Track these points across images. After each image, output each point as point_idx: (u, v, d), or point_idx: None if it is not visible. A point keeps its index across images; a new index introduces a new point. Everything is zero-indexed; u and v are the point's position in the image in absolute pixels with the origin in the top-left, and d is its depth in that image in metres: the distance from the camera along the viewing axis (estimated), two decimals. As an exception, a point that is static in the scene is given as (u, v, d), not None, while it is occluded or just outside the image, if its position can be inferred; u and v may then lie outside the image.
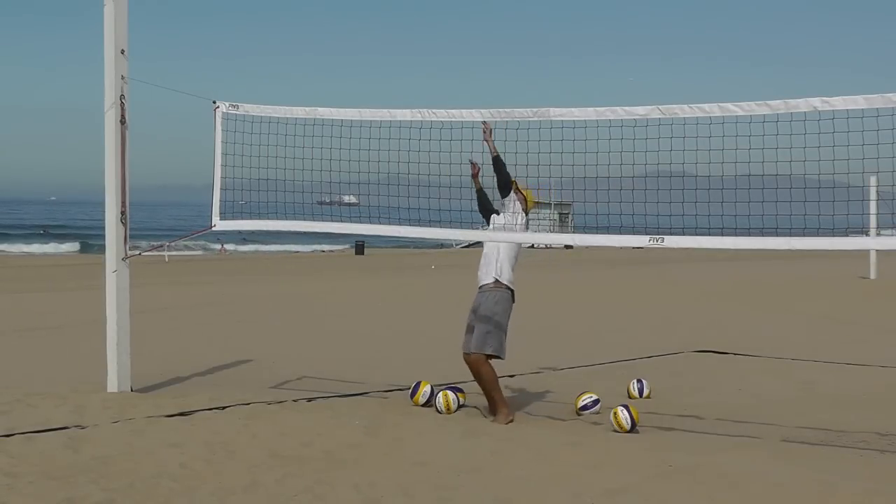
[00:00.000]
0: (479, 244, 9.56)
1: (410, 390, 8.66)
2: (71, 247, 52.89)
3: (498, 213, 8.26)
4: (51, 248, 52.17)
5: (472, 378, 8.43)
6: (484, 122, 8.07)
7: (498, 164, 8.07)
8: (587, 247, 38.82)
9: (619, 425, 7.68)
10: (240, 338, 13.97)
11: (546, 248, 46.29)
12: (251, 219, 9.33)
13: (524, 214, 8.19)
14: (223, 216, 9.26)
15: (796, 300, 21.22)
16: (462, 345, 8.21)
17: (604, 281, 27.52)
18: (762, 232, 7.61)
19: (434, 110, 8.31)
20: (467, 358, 8.08)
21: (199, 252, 46.82)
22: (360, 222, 9.14)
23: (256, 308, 19.04)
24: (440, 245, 48.70)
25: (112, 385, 8.85)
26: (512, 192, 8.14)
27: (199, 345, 13.09)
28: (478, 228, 8.74)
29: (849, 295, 22.65)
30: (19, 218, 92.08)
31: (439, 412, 8.27)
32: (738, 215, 7.73)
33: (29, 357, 11.97)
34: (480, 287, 8.12)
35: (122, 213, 8.89)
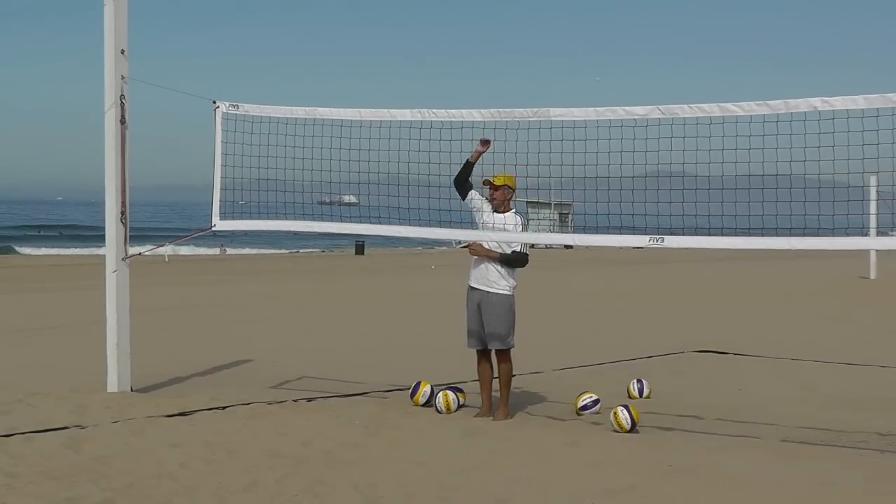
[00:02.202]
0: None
1: (410, 390, 8.66)
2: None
3: (472, 197, 8.23)
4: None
5: (475, 377, 8.45)
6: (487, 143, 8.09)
7: (507, 258, 8.10)
8: (587, 247, 38.82)
9: (619, 425, 7.68)
10: (240, 338, 13.97)
11: (546, 247, 46.28)
12: (251, 219, 9.34)
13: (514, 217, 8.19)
14: (223, 216, 9.27)
15: (796, 300, 21.22)
16: (469, 344, 8.28)
17: (604, 281, 27.50)
18: (762, 232, 7.62)
19: (434, 110, 8.31)
20: (480, 357, 8.26)
21: (200, 252, 46.76)
22: (360, 222, 9.15)
23: (256, 308, 19.04)
24: (459, 243, 48.60)
25: (112, 385, 8.86)
26: (486, 192, 8.18)
27: (199, 345, 13.09)
28: (477, 228, 8.74)
29: (849, 295, 22.65)
30: (35, 219, 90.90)
31: (439, 412, 8.27)
32: (738, 215, 7.74)
33: (29, 357, 11.96)
34: (479, 291, 8.14)
35: (122, 213, 8.90)
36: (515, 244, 8.10)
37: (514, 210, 8.24)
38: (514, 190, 8.22)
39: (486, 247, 8.10)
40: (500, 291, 8.11)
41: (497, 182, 8.13)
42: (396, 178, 8.79)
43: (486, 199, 8.23)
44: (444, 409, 8.27)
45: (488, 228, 8.14)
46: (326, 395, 9.01)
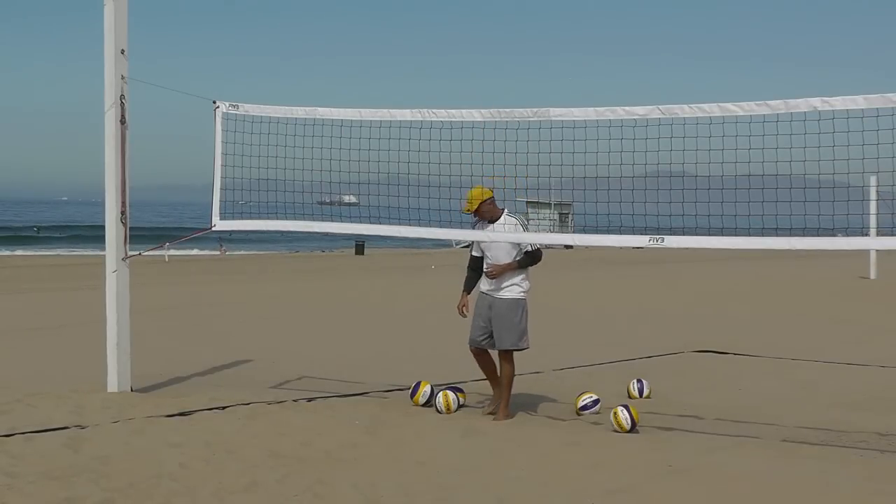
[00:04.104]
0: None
1: (410, 390, 8.66)
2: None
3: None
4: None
5: (482, 376, 8.45)
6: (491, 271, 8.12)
7: (525, 262, 8.13)
8: (587, 247, 38.81)
9: (619, 425, 7.68)
10: (240, 338, 13.97)
11: (546, 248, 46.25)
12: (251, 219, 9.34)
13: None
14: (223, 216, 9.27)
15: (796, 300, 21.21)
16: (475, 341, 8.26)
17: (604, 281, 27.50)
18: (762, 232, 7.62)
19: (434, 110, 8.32)
20: (477, 353, 8.22)
21: (200, 252, 46.75)
22: (360, 222, 9.15)
23: (256, 308, 19.03)
24: (458, 244, 48.51)
25: (112, 385, 8.85)
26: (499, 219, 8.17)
27: (199, 345, 13.09)
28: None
29: (849, 295, 22.64)
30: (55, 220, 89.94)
31: (439, 412, 8.27)
32: (738, 215, 7.74)
33: (29, 357, 11.96)
34: (491, 296, 8.16)
35: (122, 213, 8.89)
36: (525, 244, 8.12)
37: (505, 211, 8.20)
38: (490, 196, 8.13)
39: (503, 264, 8.07)
40: (514, 296, 8.12)
41: (473, 207, 8.09)
42: (396, 178, 8.79)
43: (476, 224, 8.24)
44: (444, 409, 8.27)
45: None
46: (326, 395, 9.01)
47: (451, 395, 8.38)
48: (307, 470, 6.46)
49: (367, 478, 6.27)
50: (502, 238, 8.07)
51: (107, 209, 8.91)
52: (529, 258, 8.14)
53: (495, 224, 8.15)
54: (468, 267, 8.44)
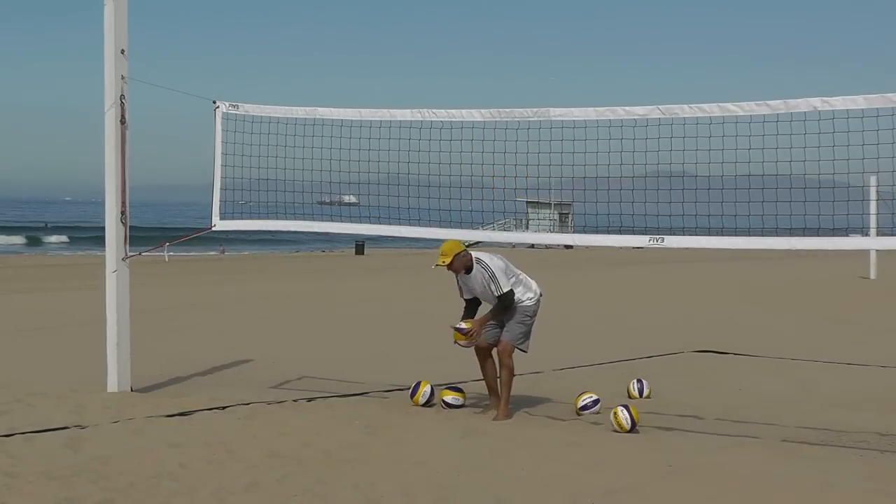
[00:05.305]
0: (478, 244, 9.47)
1: (410, 390, 8.67)
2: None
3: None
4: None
5: (480, 377, 8.43)
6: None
7: (497, 308, 8.05)
8: (587, 247, 38.82)
9: (619, 425, 7.68)
10: (240, 338, 13.97)
11: (546, 248, 46.32)
12: (251, 219, 9.34)
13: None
14: (223, 216, 9.27)
15: (796, 300, 21.22)
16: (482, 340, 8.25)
17: (604, 281, 27.51)
18: (762, 232, 7.63)
19: (434, 110, 8.33)
20: (482, 355, 8.20)
21: (199, 252, 46.70)
22: (360, 222, 9.16)
23: (256, 308, 19.03)
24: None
25: (112, 385, 8.86)
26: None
27: (199, 345, 13.09)
28: (478, 228, 8.75)
29: (849, 295, 22.65)
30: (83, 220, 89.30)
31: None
32: (738, 215, 7.75)
33: (29, 357, 11.96)
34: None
35: (122, 213, 8.90)
36: (496, 289, 7.97)
37: (475, 258, 8.02)
38: (462, 249, 8.02)
39: (480, 319, 8.06)
40: (525, 304, 8.13)
41: (448, 259, 7.94)
42: (396, 178, 8.80)
43: (458, 283, 8.20)
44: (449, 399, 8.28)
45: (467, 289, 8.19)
46: (326, 395, 9.01)
47: (450, 391, 8.41)
48: (307, 470, 6.46)
49: (367, 478, 6.27)
50: (504, 238, 8.07)
51: (107, 209, 8.91)
52: (503, 305, 7.99)
53: (470, 274, 8.06)
54: (465, 308, 8.36)
